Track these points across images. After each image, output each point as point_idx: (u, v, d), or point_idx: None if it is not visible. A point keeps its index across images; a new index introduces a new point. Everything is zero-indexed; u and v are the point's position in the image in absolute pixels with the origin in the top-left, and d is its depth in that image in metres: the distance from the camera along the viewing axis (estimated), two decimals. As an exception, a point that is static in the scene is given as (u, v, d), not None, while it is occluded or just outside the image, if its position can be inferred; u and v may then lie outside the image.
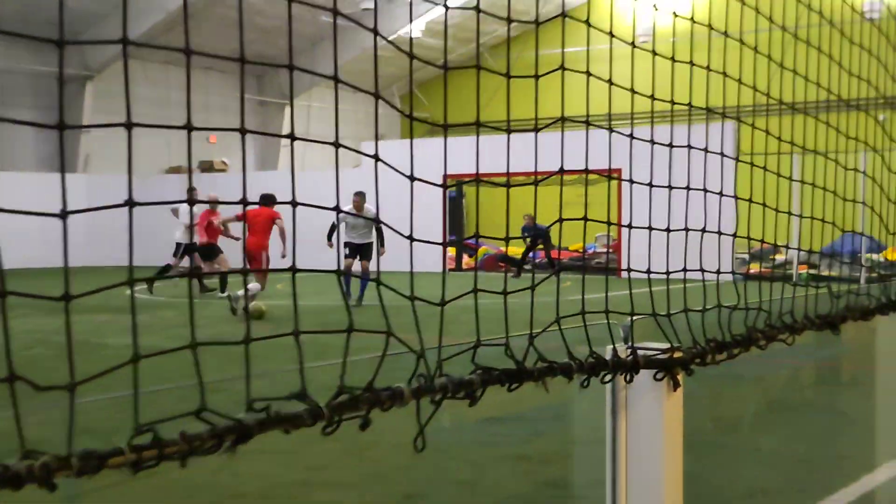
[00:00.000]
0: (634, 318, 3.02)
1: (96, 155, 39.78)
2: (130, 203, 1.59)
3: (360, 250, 22.37)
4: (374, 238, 22.14)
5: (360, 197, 21.52)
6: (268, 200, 19.44)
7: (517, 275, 31.55)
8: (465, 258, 37.16)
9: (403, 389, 2.17)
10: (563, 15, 2.71)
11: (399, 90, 49.85)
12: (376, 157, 2.12)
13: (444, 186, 2.33)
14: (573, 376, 2.68)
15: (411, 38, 2.35)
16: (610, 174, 2.94)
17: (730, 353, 3.22)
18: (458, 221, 41.75)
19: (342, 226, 22.15)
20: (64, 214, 1.49)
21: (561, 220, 2.85)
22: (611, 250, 33.88)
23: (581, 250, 34.03)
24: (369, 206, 22.17)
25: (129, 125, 1.56)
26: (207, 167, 41.03)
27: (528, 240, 32.30)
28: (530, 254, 33.50)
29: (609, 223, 2.97)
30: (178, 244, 25.32)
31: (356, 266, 22.36)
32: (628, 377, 2.91)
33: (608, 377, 2.86)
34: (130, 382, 1.72)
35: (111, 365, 1.66)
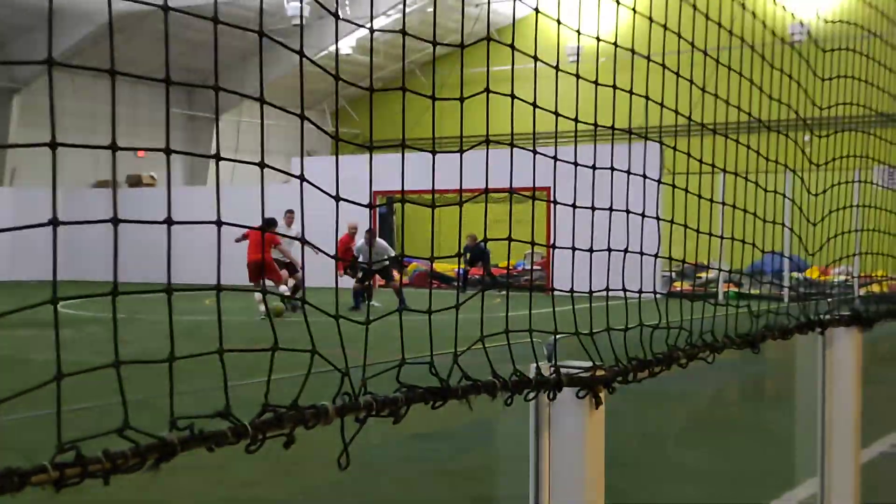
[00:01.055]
0: (558, 336, 3.06)
1: (23, 168, 39.36)
2: (55, 222, 1.60)
3: (374, 273, 27.07)
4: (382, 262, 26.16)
5: (370, 234, 24.84)
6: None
7: (463, 289, 32.01)
8: (395, 274, 37.16)
9: (328, 407, 2.19)
10: (488, 39, 2.75)
11: (329, 106, 49.74)
12: (301, 177, 2.14)
13: (370, 206, 2.36)
14: (497, 394, 2.71)
15: (337, 58, 2.36)
16: (535, 194, 2.97)
17: (651, 371, 3.27)
18: (388, 238, 41.79)
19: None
20: (-12, 233, 1.50)
21: (486, 240, 2.88)
22: (540, 267, 33.99)
23: (507, 268, 34.13)
24: (381, 241, 27.55)
25: (53, 145, 1.57)
26: (135, 182, 40.69)
27: (469, 257, 32.47)
28: (461, 271, 33.54)
29: (534, 243, 3.00)
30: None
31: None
32: (551, 395, 2.95)
33: (531, 395, 2.89)
34: (54, 400, 1.72)
35: (35, 380, 1.67)
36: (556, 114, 2.96)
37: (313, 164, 32.35)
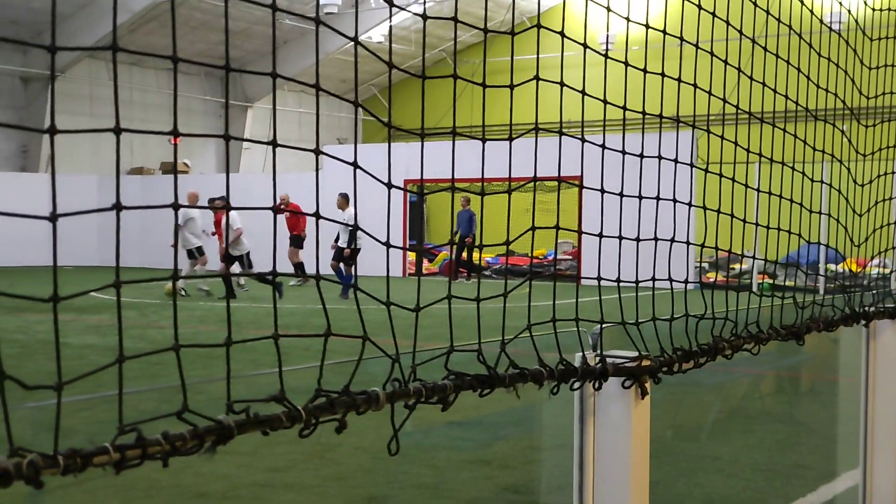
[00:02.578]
0: (603, 325, 3.05)
1: (59, 155, 39.56)
2: (118, 207, 1.61)
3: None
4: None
5: (343, 197, 22.81)
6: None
7: (468, 278, 31.70)
8: (426, 263, 37.16)
9: (379, 393, 2.20)
10: (539, 26, 2.75)
11: (361, 94, 49.80)
12: (355, 165, 2.15)
13: (421, 193, 2.36)
14: (544, 383, 2.71)
15: (391, 45, 2.39)
16: (582, 182, 2.97)
17: (696, 361, 3.26)
18: (419, 226, 41.83)
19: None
20: (54, 217, 1.51)
21: (533, 229, 2.88)
22: (571, 257, 33.91)
23: (543, 256, 34.12)
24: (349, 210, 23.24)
25: (117, 131, 1.58)
26: (169, 169, 40.87)
27: (458, 236, 31.42)
28: (468, 253, 32.86)
29: (580, 231, 3.00)
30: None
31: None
32: (597, 384, 2.95)
33: (577, 384, 2.89)
34: (91, 384, 1.73)
35: (73, 364, 1.68)
36: (605, 101, 2.95)
37: (344, 151, 32.31)
